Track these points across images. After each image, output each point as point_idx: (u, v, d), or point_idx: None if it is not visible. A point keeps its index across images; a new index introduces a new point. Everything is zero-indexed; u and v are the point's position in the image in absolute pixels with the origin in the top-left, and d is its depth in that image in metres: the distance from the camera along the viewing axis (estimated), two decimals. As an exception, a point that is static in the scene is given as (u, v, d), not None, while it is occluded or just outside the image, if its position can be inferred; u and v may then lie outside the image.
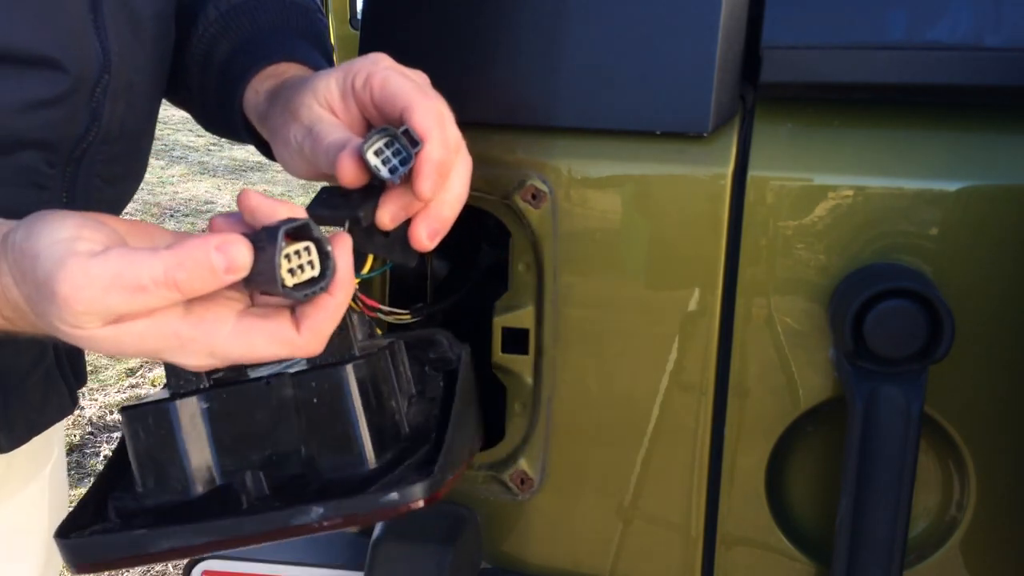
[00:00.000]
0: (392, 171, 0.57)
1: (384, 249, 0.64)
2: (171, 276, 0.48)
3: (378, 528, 0.91)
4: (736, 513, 0.87)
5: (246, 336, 0.52)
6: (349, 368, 0.62)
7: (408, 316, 0.90)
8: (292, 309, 0.54)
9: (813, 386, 0.83)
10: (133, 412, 0.63)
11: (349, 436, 0.62)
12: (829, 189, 0.79)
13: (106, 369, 3.87)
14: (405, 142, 0.58)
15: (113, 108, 0.77)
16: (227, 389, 0.63)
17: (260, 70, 0.79)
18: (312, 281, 0.52)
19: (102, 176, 0.81)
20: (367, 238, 0.62)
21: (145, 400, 0.64)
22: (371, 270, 0.69)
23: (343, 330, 0.62)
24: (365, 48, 0.95)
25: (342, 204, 0.61)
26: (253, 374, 0.64)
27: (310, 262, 0.52)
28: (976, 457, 0.83)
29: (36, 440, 0.86)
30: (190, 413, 0.62)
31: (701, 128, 0.78)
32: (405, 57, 0.91)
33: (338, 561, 0.98)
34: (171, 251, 0.48)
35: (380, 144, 0.57)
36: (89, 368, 3.85)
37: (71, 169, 0.76)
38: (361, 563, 0.90)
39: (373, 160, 0.57)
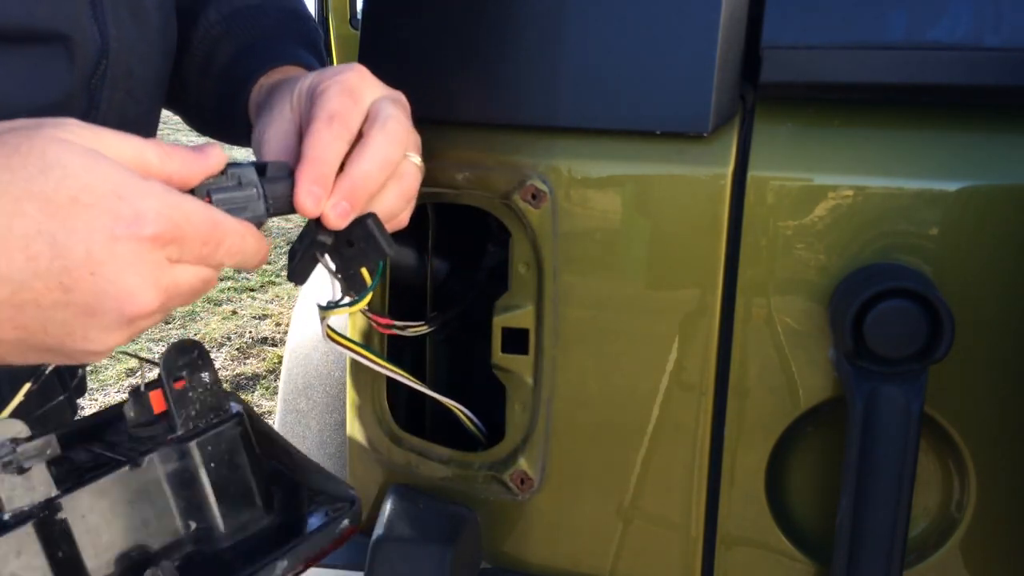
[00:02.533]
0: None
1: (360, 257, 0.65)
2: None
3: (378, 528, 0.91)
4: (736, 513, 0.87)
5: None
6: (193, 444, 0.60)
7: (425, 327, 0.91)
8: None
9: (813, 386, 0.83)
10: None
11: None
12: (829, 189, 0.79)
13: (106, 369, 3.87)
14: (248, 181, 0.59)
15: (111, 96, 0.75)
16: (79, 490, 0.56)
17: (266, 71, 0.79)
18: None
19: None
20: (340, 257, 0.64)
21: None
22: (371, 284, 0.70)
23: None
24: (365, 48, 0.95)
25: (304, 239, 0.65)
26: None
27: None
28: (976, 457, 0.83)
29: None
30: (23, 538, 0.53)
31: (701, 128, 0.79)
32: (405, 57, 0.91)
33: (338, 561, 0.98)
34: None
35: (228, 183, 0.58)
36: (89, 368, 3.85)
37: None
38: (361, 563, 0.90)
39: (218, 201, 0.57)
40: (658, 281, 0.84)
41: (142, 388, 0.60)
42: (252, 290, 4.96)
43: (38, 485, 0.53)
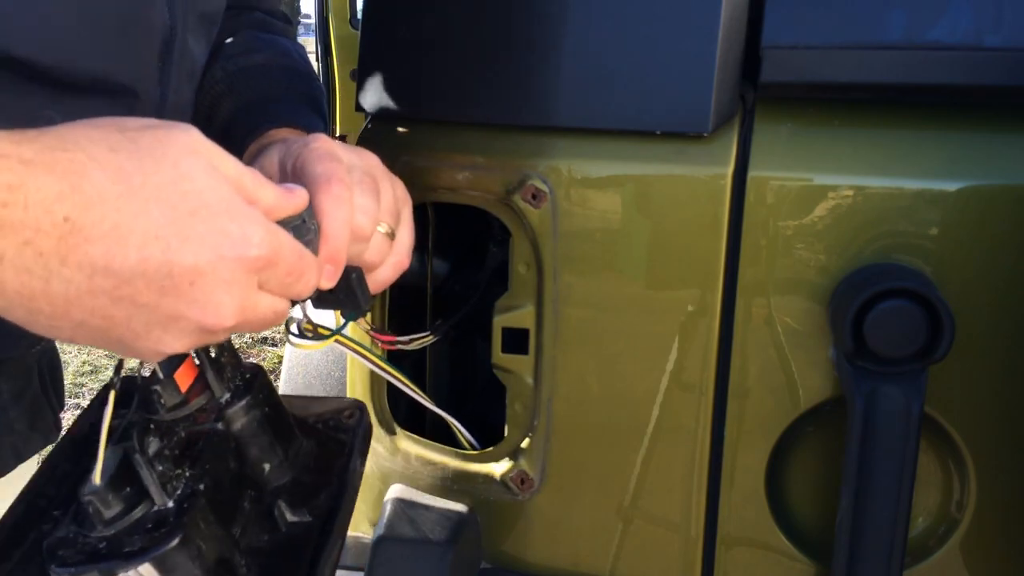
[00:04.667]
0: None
1: (335, 303, 0.69)
2: None
3: (379, 528, 0.91)
4: (736, 513, 0.87)
5: None
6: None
7: (429, 337, 0.92)
8: None
9: (813, 386, 0.83)
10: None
11: None
12: (829, 189, 0.79)
13: (106, 369, 3.87)
14: (309, 223, 0.60)
15: None
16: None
17: (262, 133, 0.80)
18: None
19: None
20: (316, 297, 0.66)
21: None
22: (340, 326, 0.75)
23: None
24: (365, 48, 0.95)
25: None
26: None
27: None
28: (976, 457, 0.83)
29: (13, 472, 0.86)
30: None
31: (701, 128, 0.78)
32: (405, 57, 0.91)
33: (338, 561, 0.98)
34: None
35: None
36: (88, 368, 3.83)
37: None
38: (362, 563, 0.90)
39: None
40: (658, 281, 0.84)
41: (161, 375, 0.62)
42: (252, 290, 4.96)
43: (179, 467, 0.59)
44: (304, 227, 0.59)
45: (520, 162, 0.84)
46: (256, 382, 0.66)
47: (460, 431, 0.94)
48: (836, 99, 0.82)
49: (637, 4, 0.79)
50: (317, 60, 4.09)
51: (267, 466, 0.66)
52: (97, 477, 0.54)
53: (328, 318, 0.85)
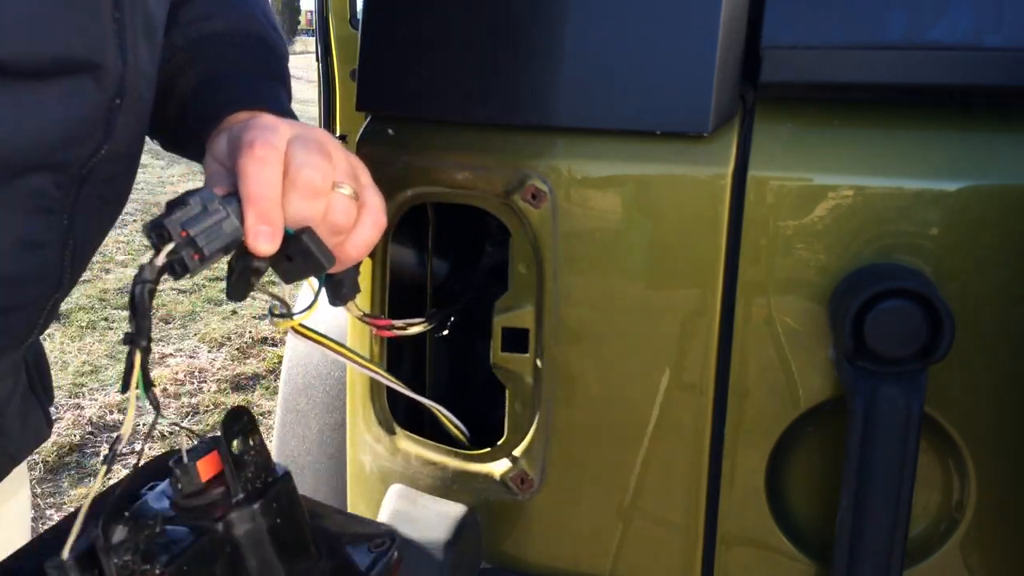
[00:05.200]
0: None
1: (300, 271, 0.66)
2: None
3: (378, 528, 0.91)
4: (736, 513, 0.87)
5: None
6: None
7: (425, 324, 0.91)
8: None
9: (813, 386, 0.83)
10: None
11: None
12: (829, 189, 0.79)
13: (106, 369, 3.87)
14: (217, 204, 0.59)
15: (126, 122, 0.75)
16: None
17: (224, 118, 0.78)
18: None
19: (103, 196, 0.78)
20: (283, 271, 0.65)
21: None
22: (316, 295, 0.72)
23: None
24: (365, 48, 0.95)
25: (239, 259, 0.65)
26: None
27: None
28: (976, 457, 0.83)
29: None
30: None
31: (701, 128, 0.78)
32: (405, 57, 0.91)
33: (338, 561, 0.98)
34: None
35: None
36: (89, 368, 3.83)
37: (75, 190, 0.73)
38: (361, 563, 0.90)
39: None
40: (658, 281, 0.84)
41: (185, 460, 0.60)
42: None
43: (149, 563, 0.54)
44: (205, 213, 0.57)
45: (520, 162, 0.84)
46: (275, 488, 0.62)
47: (449, 419, 0.93)
48: (836, 99, 0.82)
49: (637, 4, 0.79)
50: (317, 60, 4.09)
51: None
52: (66, 551, 0.51)
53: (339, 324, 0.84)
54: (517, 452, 0.91)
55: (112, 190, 0.79)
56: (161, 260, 0.57)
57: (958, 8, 0.78)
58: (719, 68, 0.77)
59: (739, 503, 0.87)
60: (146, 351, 0.55)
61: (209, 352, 4.13)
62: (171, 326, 4.45)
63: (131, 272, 5.03)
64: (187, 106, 0.82)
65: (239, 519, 0.60)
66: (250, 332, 4.38)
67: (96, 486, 0.54)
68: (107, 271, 5.25)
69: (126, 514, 0.54)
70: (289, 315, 0.71)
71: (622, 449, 0.88)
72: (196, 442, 0.60)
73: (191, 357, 4.06)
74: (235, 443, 0.61)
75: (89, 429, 3.28)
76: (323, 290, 0.73)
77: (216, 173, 0.68)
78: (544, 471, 0.90)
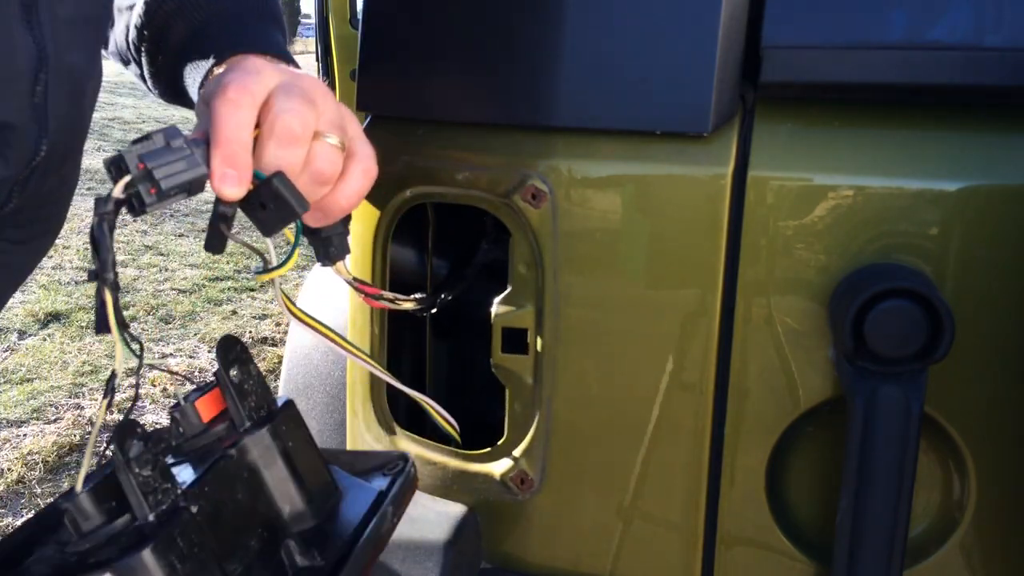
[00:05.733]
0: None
1: (275, 220, 0.64)
2: None
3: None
4: (736, 513, 0.87)
5: None
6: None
7: (412, 303, 0.88)
8: None
9: (813, 386, 0.83)
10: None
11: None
12: (829, 189, 0.79)
13: (105, 370, 3.87)
14: (185, 144, 0.58)
15: (43, 180, 0.74)
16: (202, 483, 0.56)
17: (221, 62, 0.75)
18: None
19: (10, 239, 0.77)
20: (259, 221, 0.63)
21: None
22: (293, 245, 0.68)
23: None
24: (365, 48, 0.95)
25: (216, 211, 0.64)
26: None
27: None
28: (976, 457, 0.83)
29: None
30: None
31: (701, 128, 0.78)
32: (405, 57, 0.91)
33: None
34: None
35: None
36: (89, 368, 3.82)
37: None
38: (361, 563, 0.90)
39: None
40: (658, 281, 0.84)
41: (182, 402, 0.60)
42: (252, 290, 4.96)
43: (169, 482, 0.53)
44: (167, 149, 0.56)
45: (520, 162, 0.84)
46: (282, 414, 0.62)
47: (440, 414, 0.89)
48: (836, 99, 0.82)
49: (637, 4, 0.79)
50: (317, 60, 4.09)
51: (287, 508, 0.61)
52: (79, 484, 0.51)
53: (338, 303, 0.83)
54: (517, 452, 0.91)
55: (25, 234, 0.79)
56: (118, 192, 0.55)
57: (958, 8, 0.78)
58: (719, 68, 0.77)
59: (739, 503, 0.87)
60: (115, 287, 0.54)
61: (209, 352, 4.13)
62: (171, 326, 4.45)
63: (131, 272, 5.04)
64: (178, 60, 0.80)
65: (252, 444, 0.60)
66: (250, 332, 4.38)
67: (99, 421, 0.53)
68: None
69: (139, 430, 0.53)
70: (266, 269, 0.68)
71: (622, 449, 0.88)
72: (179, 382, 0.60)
73: (191, 357, 4.06)
74: (233, 373, 0.60)
75: (89, 429, 3.28)
76: (308, 244, 0.69)
77: (200, 116, 0.66)
78: (544, 471, 0.90)
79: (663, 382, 0.85)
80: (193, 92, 0.78)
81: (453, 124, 0.88)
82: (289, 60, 0.78)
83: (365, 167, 0.67)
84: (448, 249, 1.04)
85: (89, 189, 6.57)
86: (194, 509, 0.53)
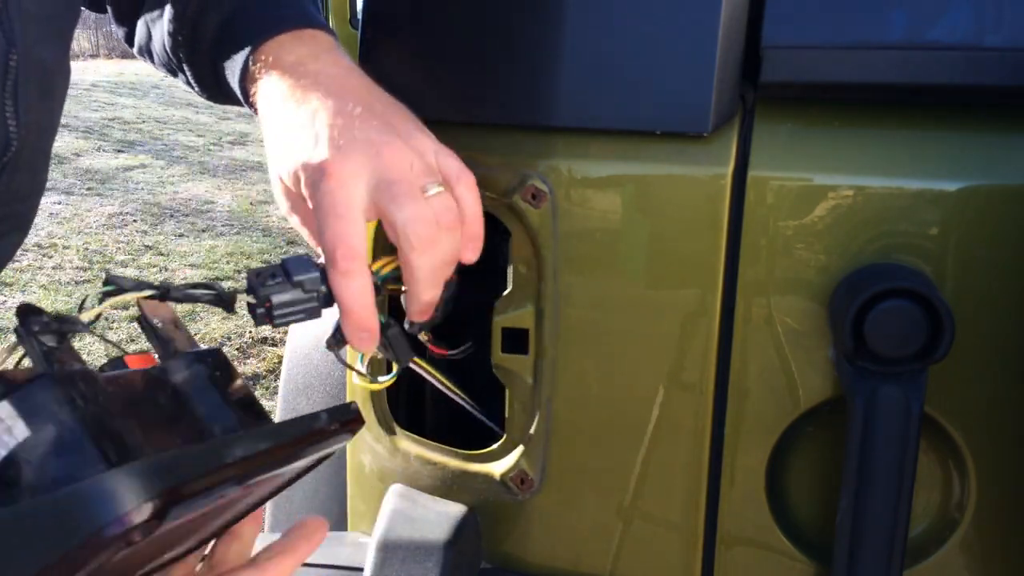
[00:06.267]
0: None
1: (382, 351, 0.74)
2: None
3: (379, 529, 0.91)
4: (736, 513, 0.87)
5: None
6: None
7: (472, 347, 0.92)
8: None
9: (813, 386, 0.83)
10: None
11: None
12: (829, 189, 0.79)
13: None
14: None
15: (12, 178, 0.73)
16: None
17: (256, 52, 0.74)
18: None
19: None
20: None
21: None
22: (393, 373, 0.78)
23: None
24: (365, 48, 0.95)
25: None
26: None
27: None
28: (976, 457, 0.83)
29: None
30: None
31: (701, 128, 0.78)
32: (405, 57, 0.91)
33: (338, 562, 0.98)
34: None
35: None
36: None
37: None
38: (361, 563, 0.90)
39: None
40: (658, 281, 0.84)
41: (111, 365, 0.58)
42: (252, 290, 4.96)
43: (77, 361, 0.53)
44: (291, 288, 0.63)
45: (520, 162, 0.84)
46: (205, 350, 0.62)
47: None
48: (836, 99, 0.82)
49: (637, 4, 0.79)
50: (317, 60, 4.09)
51: (217, 427, 0.58)
52: None
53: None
54: (517, 452, 0.91)
55: None
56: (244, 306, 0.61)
57: (958, 8, 0.78)
58: (719, 68, 0.77)
59: (739, 503, 0.87)
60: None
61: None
62: (171, 326, 4.44)
63: (131, 272, 5.03)
64: (216, 55, 0.79)
65: (174, 367, 0.58)
66: (250, 332, 4.38)
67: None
68: (108, 271, 5.24)
69: (45, 316, 0.51)
70: (372, 379, 0.80)
71: (622, 449, 0.88)
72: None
73: (191, 357, 4.06)
74: (156, 322, 0.60)
75: (89, 429, 3.27)
76: (392, 347, 0.75)
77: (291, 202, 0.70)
78: (544, 471, 0.90)
79: (663, 382, 0.85)
80: (234, 84, 0.77)
81: (453, 124, 0.88)
82: (323, 27, 0.78)
83: (467, 182, 0.68)
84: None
85: (89, 189, 6.57)
86: (104, 384, 0.51)
